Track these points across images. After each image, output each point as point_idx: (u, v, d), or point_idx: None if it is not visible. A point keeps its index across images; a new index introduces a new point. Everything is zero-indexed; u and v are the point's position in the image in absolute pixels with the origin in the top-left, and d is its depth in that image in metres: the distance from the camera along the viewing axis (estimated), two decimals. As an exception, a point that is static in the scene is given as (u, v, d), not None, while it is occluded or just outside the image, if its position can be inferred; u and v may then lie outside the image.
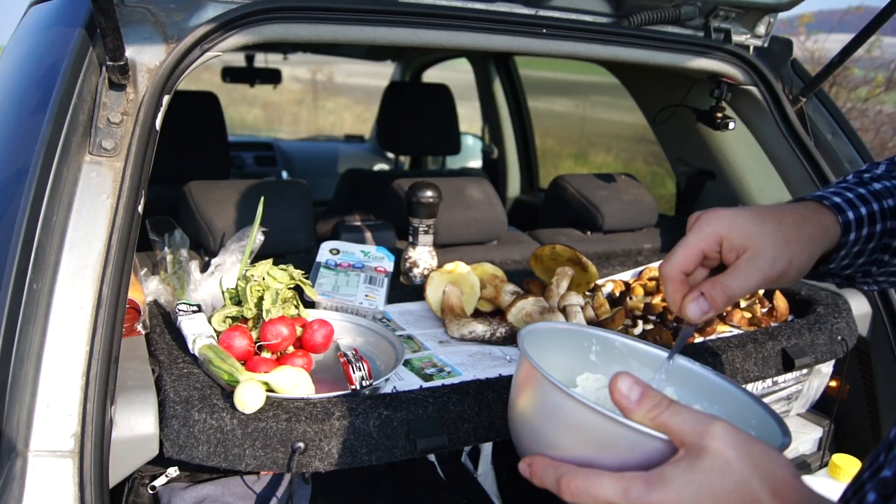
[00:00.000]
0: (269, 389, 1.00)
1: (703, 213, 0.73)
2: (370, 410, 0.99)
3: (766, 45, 1.74)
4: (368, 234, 1.71)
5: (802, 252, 0.71)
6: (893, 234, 0.79)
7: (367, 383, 1.04)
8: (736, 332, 1.43)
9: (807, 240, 0.72)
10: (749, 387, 1.37)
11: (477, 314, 1.46)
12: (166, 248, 1.34)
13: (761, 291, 1.56)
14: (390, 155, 4.95)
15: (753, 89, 1.70)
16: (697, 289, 0.71)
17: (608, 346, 0.84)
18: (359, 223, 1.73)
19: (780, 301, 1.51)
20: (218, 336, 1.13)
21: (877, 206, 0.77)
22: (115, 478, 0.91)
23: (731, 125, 1.81)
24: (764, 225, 0.70)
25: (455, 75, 4.66)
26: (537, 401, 0.65)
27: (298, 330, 1.17)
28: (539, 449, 0.64)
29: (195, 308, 1.20)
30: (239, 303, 1.20)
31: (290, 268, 1.25)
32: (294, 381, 1.02)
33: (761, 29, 1.71)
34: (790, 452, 1.54)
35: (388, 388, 1.10)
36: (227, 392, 1.00)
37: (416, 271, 1.56)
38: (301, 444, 0.95)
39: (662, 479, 0.53)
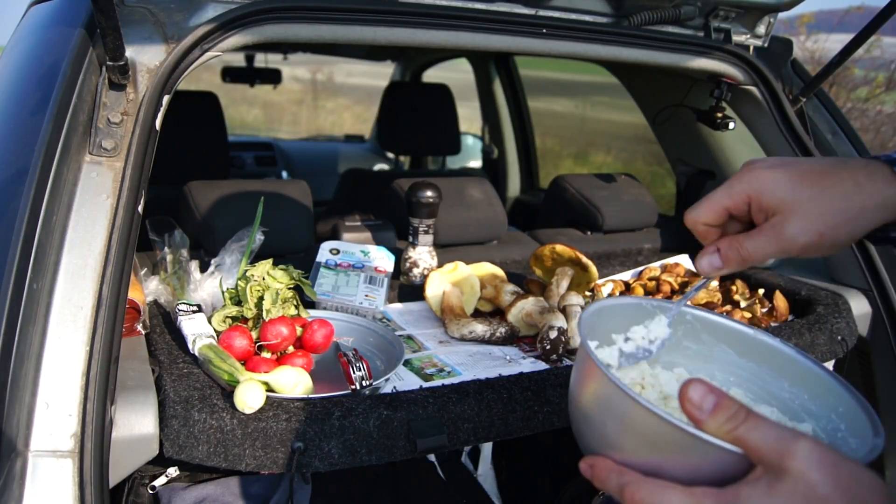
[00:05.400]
0: (269, 389, 1.00)
1: (746, 166, 0.67)
2: (370, 410, 0.99)
3: (766, 45, 1.74)
4: (368, 234, 1.71)
5: (841, 226, 0.63)
6: None
7: (367, 383, 1.04)
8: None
9: (854, 214, 0.63)
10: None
11: (477, 314, 1.46)
12: (166, 248, 1.34)
13: (761, 291, 1.56)
14: (390, 155, 4.95)
15: (753, 89, 1.70)
16: (716, 244, 0.68)
17: (676, 319, 0.77)
18: (359, 223, 1.73)
19: (780, 301, 1.51)
20: (218, 336, 1.13)
21: None
22: (115, 478, 0.91)
23: (731, 125, 1.81)
24: (802, 190, 0.63)
25: (455, 75, 4.66)
26: (601, 400, 0.61)
27: (298, 330, 1.17)
28: (601, 448, 0.61)
29: (195, 308, 1.20)
30: (239, 303, 1.20)
31: (290, 268, 1.25)
32: (294, 381, 1.02)
33: (761, 29, 1.71)
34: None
35: (388, 388, 1.10)
36: (227, 392, 1.00)
37: (416, 271, 1.56)
38: (301, 444, 0.95)
39: (737, 500, 0.50)
